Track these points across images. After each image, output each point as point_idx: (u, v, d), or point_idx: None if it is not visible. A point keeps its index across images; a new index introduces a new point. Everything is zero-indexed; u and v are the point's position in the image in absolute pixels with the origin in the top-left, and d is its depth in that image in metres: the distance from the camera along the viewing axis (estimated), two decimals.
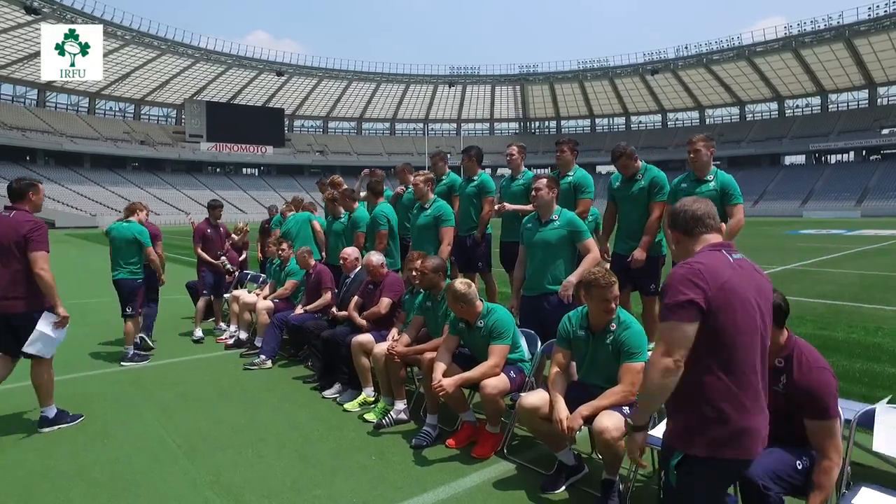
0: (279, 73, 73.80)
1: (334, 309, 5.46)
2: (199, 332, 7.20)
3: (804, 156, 68.55)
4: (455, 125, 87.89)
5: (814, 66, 64.41)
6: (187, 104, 72.64)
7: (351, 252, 5.64)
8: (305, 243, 6.89)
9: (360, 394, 4.65)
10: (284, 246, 6.83)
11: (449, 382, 3.52)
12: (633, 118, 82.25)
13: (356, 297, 5.12)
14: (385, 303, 4.84)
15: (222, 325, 7.58)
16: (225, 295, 8.29)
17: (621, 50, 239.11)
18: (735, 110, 75.72)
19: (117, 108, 73.00)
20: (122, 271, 6.12)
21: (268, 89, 77.60)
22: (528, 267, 4.32)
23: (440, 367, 3.69)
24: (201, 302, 7.50)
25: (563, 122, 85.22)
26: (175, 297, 9.26)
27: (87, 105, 70.06)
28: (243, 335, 6.77)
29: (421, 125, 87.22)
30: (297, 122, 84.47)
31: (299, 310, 5.99)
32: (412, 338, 4.27)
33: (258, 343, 6.39)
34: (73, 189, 58.20)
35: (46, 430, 4.22)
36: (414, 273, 4.50)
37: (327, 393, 4.90)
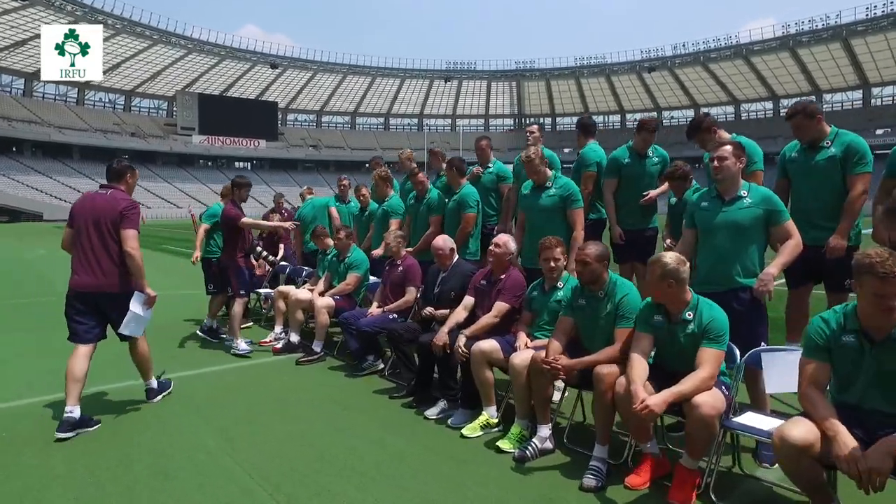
0: (273, 66, 72.29)
1: (430, 309, 4.52)
2: (243, 345, 5.68)
3: None
4: (450, 121, 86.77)
5: (810, 66, 64.28)
6: (179, 96, 70.88)
7: (446, 242, 4.69)
8: None
9: (478, 414, 3.74)
10: (342, 234, 5.89)
11: (658, 402, 2.60)
12: (629, 115, 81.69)
13: (468, 299, 4.16)
14: (502, 309, 3.90)
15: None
16: (261, 290, 7.37)
17: (618, 47, 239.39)
18: (730, 109, 75.38)
19: (107, 99, 71.10)
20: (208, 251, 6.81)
21: (261, 82, 76.06)
22: (706, 256, 3.42)
23: (639, 378, 2.77)
24: (238, 306, 5.79)
25: (558, 119, 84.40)
26: (192, 293, 8.32)
27: (75, 95, 68.09)
28: (294, 338, 5.77)
29: (416, 120, 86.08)
30: (290, 116, 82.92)
31: (375, 310, 5.06)
32: (563, 345, 3.36)
33: (316, 348, 5.47)
34: (61, 181, 56.49)
35: (156, 399, 4.29)
36: (553, 264, 3.62)
37: (430, 413, 3.98)
